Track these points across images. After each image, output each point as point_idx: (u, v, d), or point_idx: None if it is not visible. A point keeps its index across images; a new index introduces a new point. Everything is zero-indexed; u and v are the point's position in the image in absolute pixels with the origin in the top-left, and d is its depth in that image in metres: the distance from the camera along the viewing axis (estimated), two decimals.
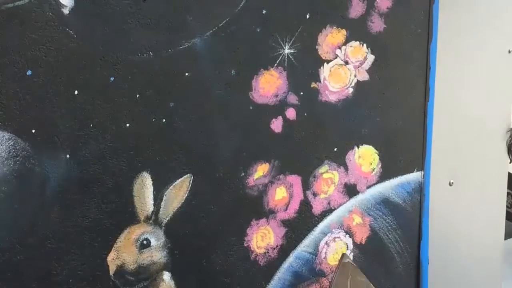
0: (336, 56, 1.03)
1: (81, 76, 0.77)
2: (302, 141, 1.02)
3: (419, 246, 1.23)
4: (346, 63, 1.04)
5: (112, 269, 0.84)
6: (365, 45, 1.06)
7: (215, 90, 0.90)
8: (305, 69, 0.99)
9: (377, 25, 1.07)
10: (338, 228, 1.10)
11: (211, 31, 0.87)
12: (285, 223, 1.02)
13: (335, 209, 1.09)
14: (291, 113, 0.99)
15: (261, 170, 0.97)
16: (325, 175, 1.06)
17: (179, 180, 0.88)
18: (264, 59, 0.94)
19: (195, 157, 0.89)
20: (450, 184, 1.26)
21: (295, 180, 1.02)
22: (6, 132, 0.72)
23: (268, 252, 1.01)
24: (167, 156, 0.87)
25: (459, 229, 1.30)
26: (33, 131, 0.74)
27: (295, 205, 1.03)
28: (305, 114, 1.01)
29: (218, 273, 0.96)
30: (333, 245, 1.10)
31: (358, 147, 1.10)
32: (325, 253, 1.09)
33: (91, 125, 0.79)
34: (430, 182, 1.21)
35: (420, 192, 1.21)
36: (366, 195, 1.13)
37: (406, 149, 1.17)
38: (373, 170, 1.13)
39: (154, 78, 0.83)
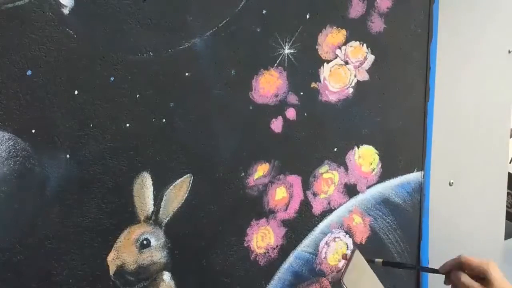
0: (336, 56, 1.03)
1: (81, 76, 0.77)
2: (302, 141, 1.02)
3: (419, 246, 1.23)
4: (346, 63, 1.04)
5: (112, 269, 0.84)
6: (365, 45, 1.06)
7: (215, 90, 0.90)
8: (305, 69, 0.99)
9: (377, 25, 1.07)
10: (338, 228, 1.10)
11: (211, 31, 0.87)
12: (285, 223, 1.02)
13: (335, 209, 1.09)
14: (291, 113, 0.99)
15: (261, 170, 0.97)
16: (325, 175, 1.06)
17: (179, 180, 0.88)
18: (264, 59, 0.94)
19: (195, 157, 0.89)
20: (450, 184, 1.26)
21: (295, 180, 1.02)
22: (6, 132, 0.72)
23: (268, 252, 1.01)
24: (167, 156, 0.87)
25: (459, 229, 1.30)
26: (33, 131, 0.74)
27: (295, 205, 1.03)
28: (305, 114, 1.01)
29: (218, 273, 0.96)
30: (333, 245, 1.10)
31: (358, 147, 1.10)
32: (325, 253, 1.09)
33: (91, 125, 0.79)
34: (430, 182, 1.21)
35: (420, 192, 1.21)
36: (366, 195, 1.13)
37: (406, 149, 1.17)
38: (373, 170, 1.13)
39: (154, 78, 0.83)
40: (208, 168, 0.91)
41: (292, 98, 0.99)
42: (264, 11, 0.92)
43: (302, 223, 1.05)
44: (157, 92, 0.84)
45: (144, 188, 0.85)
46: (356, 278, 0.96)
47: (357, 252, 1.00)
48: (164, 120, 0.85)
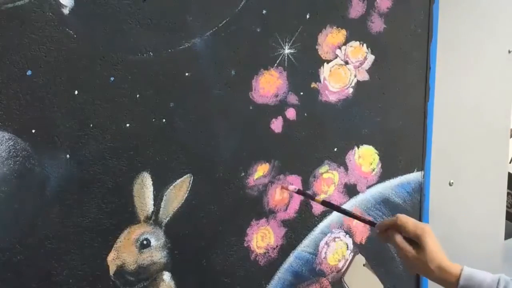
0: (336, 56, 1.03)
1: (81, 76, 0.77)
2: (302, 141, 1.02)
3: None
4: (346, 63, 1.04)
5: (112, 269, 0.84)
6: (365, 45, 1.06)
7: (215, 90, 0.90)
8: (305, 69, 0.99)
9: (377, 25, 1.07)
10: (338, 228, 1.10)
11: (211, 31, 0.87)
12: (285, 223, 1.02)
13: None
14: (291, 113, 0.99)
15: (261, 170, 0.97)
16: (325, 175, 1.06)
17: (179, 180, 0.88)
18: (264, 59, 0.94)
19: (195, 157, 0.89)
20: (450, 184, 1.26)
21: (295, 180, 1.02)
22: (6, 132, 0.72)
23: (268, 252, 1.01)
24: (167, 156, 0.86)
25: (459, 229, 1.30)
26: (33, 131, 0.74)
27: (295, 205, 1.03)
28: (305, 114, 1.01)
29: (218, 273, 0.95)
30: (333, 245, 1.10)
31: (358, 147, 1.10)
32: (325, 253, 1.09)
33: (91, 125, 0.79)
34: (430, 182, 1.21)
35: (420, 192, 1.21)
36: (366, 195, 1.13)
37: (406, 149, 1.17)
38: (373, 170, 1.13)
39: (154, 78, 0.83)
40: (208, 168, 0.91)
41: (292, 98, 0.99)
42: (264, 11, 0.92)
43: (302, 223, 1.05)
44: (157, 92, 0.84)
45: (144, 188, 0.85)
46: (357, 278, 0.96)
47: (359, 255, 1.00)
48: (164, 120, 0.85)
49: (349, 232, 1.12)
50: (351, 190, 1.10)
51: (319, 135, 1.04)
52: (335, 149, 1.07)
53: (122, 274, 0.85)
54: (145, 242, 0.86)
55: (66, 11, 0.74)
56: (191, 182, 0.90)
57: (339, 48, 1.03)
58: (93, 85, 0.78)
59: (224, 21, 0.88)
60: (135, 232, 0.85)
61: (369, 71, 1.08)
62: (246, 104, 0.93)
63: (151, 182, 0.85)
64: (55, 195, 0.77)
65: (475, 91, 1.26)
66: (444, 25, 1.16)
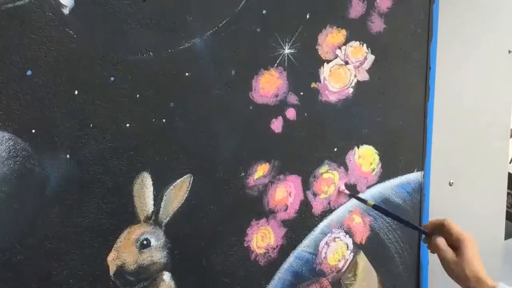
0: (336, 56, 1.03)
1: (81, 76, 0.77)
2: (302, 141, 1.02)
3: (419, 246, 1.23)
4: (346, 63, 1.04)
5: (112, 269, 0.84)
6: (365, 45, 1.06)
7: (215, 90, 0.90)
8: (305, 69, 0.99)
9: (377, 25, 1.07)
10: (338, 228, 1.10)
11: (211, 31, 0.87)
12: (285, 223, 1.02)
13: (335, 209, 1.09)
14: (291, 113, 0.99)
15: (261, 170, 0.97)
16: (325, 175, 1.06)
17: (179, 180, 0.88)
18: (264, 59, 0.94)
19: (195, 157, 0.89)
20: (450, 184, 1.26)
21: (295, 180, 1.02)
22: (6, 132, 0.72)
23: (268, 252, 1.01)
24: (167, 156, 0.87)
25: None
26: (33, 131, 0.74)
27: (295, 205, 1.03)
28: (305, 114, 1.01)
29: (218, 273, 0.96)
30: (333, 245, 1.10)
31: (358, 147, 1.10)
32: (325, 253, 1.09)
33: (91, 125, 0.79)
34: (430, 182, 1.21)
35: (420, 192, 1.21)
36: (366, 195, 1.13)
37: (406, 149, 1.17)
38: (373, 170, 1.13)
39: (154, 78, 0.83)
40: (208, 168, 0.91)
41: (292, 98, 0.99)
42: (264, 11, 0.92)
43: (302, 223, 1.05)
44: (157, 92, 0.84)
45: (144, 188, 0.85)
46: (357, 278, 0.96)
47: (361, 254, 1.00)
48: (164, 120, 0.85)
49: (349, 232, 1.12)
50: (351, 190, 1.10)
51: (319, 135, 1.04)
52: (335, 149, 1.07)
53: (122, 274, 0.85)
54: (145, 242, 0.86)
55: (66, 11, 0.74)
56: (191, 182, 0.90)
57: (339, 48, 1.03)
58: (93, 85, 0.78)
59: (224, 21, 0.88)
60: (135, 232, 0.85)
61: (369, 71, 1.08)
62: (246, 104, 0.93)
63: (151, 182, 0.85)
64: (55, 195, 0.77)
65: (475, 91, 1.26)
66: (444, 25, 1.16)
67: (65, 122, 0.76)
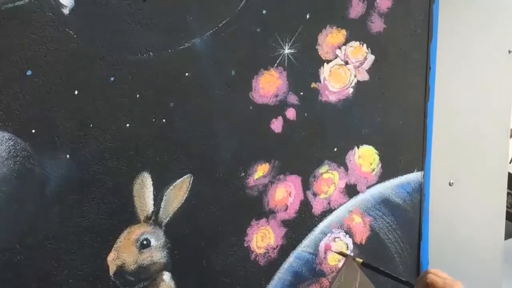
0: (336, 56, 1.03)
1: (81, 76, 0.77)
2: (302, 141, 1.02)
3: (419, 246, 1.23)
4: (346, 63, 1.04)
5: (112, 269, 0.84)
6: (365, 45, 1.06)
7: (215, 90, 0.90)
8: (305, 69, 0.99)
9: (377, 25, 1.07)
10: (338, 228, 1.10)
11: (211, 31, 0.87)
12: (285, 223, 1.02)
13: (335, 209, 1.09)
14: (291, 113, 0.99)
15: (261, 170, 0.97)
16: (325, 175, 1.06)
17: (179, 180, 0.88)
18: (264, 59, 0.94)
19: (195, 157, 0.89)
20: (450, 184, 1.26)
21: (295, 180, 1.02)
22: (6, 132, 0.72)
23: (268, 252, 1.01)
24: (167, 156, 0.87)
25: (459, 229, 1.30)
26: (33, 131, 0.74)
27: (295, 205, 1.03)
28: (305, 114, 1.01)
29: (218, 273, 0.96)
30: (333, 245, 1.10)
31: (358, 147, 1.10)
32: (325, 253, 1.09)
33: (91, 125, 0.79)
34: (430, 182, 1.21)
35: (420, 192, 1.21)
36: (366, 195, 1.13)
37: (406, 149, 1.17)
38: (373, 170, 1.13)
39: (154, 78, 0.83)
40: (208, 168, 0.91)
41: (292, 98, 0.99)
42: (264, 11, 0.92)
43: (302, 223, 1.05)
44: (157, 92, 0.84)
45: (144, 188, 0.85)
46: (348, 286, 0.96)
47: (349, 260, 1.00)
48: (164, 120, 0.85)
49: (349, 232, 1.12)
50: (351, 190, 1.10)
51: (319, 135, 1.04)
52: (335, 149, 1.07)
53: (122, 274, 0.85)
54: (145, 242, 0.86)
55: (66, 11, 0.74)
56: (191, 182, 0.90)
57: (339, 48, 1.03)
58: (93, 85, 0.78)
59: (224, 21, 0.88)
60: (135, 232, 0.85)
61: (369, 71, 1.08)
62: (246, 104, 0.93)
63: (151, 182, 0.85)
64: (55, 195, 0.77)
65: (475, 91, 1.26)
66: (444, 25, 1.16)
67: (65, 122, 0.76)
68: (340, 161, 1.08)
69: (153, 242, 0.87)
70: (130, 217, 0.84)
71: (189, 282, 0.92)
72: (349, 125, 1.07)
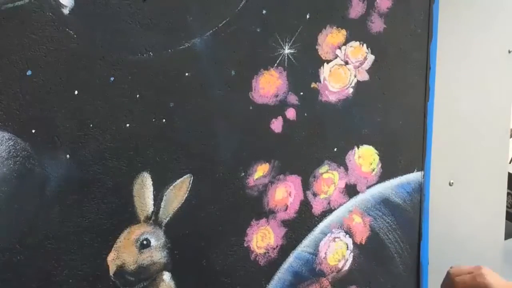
0: (336, 56, 1.03)
1: (81, 76, 0.77)
2: (302, 141, 1.02)
3: (419, 246, 1.23)
4: (346, 63, 1.04)
5: (112, 269, 0.84)
6: (365, 45, 1.06)
7: (215, 90, 0.90)
8: (305, 69, 0.99)
9: (377, 25, 1.07)
10: (338, 228, 1.10)
11: (211, 31, 0.87)
12: (285, 223, 1.02)
13: (335, 209, 1.09)
14: (291, 113, 0.99)
15: (261, 170, 0.97)
16: (325, 175, 1.06)
17: (179, 180, 0.88)
18: (264, 59, 0.94)
19: (195, 157, 0.89)
20: (450, 184, 1.26)
21: (295, 180, 1.02)
22: (6, 132, 0.72)
23: (268, 252, 1.01)
24: (167, 156, 0.87)
25: (459, 229, 1.30)
26: (33, 131, 0.74)
27: (295, 205, 1.03)
28: (305, 114, 1.01)
29: (218, 273, 0.96)
30: (333, 245, 1.10)
31: (358, 147, 1.10)
32: (325, 253, 1.09)
33: (91, 125, 0.79)
34: (430, 182, 1.21)
35: (420, 192, 1.21)
36: (366, 195, 1.13)
37: (406, 149, 1.17)
38: (373, 170, 1.13)
39: (154, 78, 0.83)
40: (208, 168, 0.91)
41: (292, 98, 0.99)
42: (264, 11, 0.92)
43: (302, 223, 1.05)
44: (157, 92, 0.84)
45: (144, 188, 0.85)
46: None
47: None
48: (164, 120, 0.85)
49: (349, 232, 1.12)
50: (351, 190, 1.10)
51: (319, 135, 1.04)
52: (335, 149, 1.07)
53: (122, 274, 0.85)
54: (145, 242, 0.86)
55: (66, 11, 0.74)
56: (191, 182, 0.90)
57: (339, 48, 1.03)
58: (93, 85, 0.78)
59: (224, 21, 0.88)
60: (135, 232, 0.85)
61: (369, 71, 1.08)
62: (246, 104, 0.93)
63: (151, 182, 0.85)
64: (55, 195, 0.77)
65: (475, 91, 1.26)
66: (444, 25, 1.16)
67: (65, 122, 0.76)
68: (340, 161, 1.08)
69: (153, 242, 0.87)
70: (130, 217, 0.84)
71: (189, 282, 0.92)
72: (349, 125, 1.07)
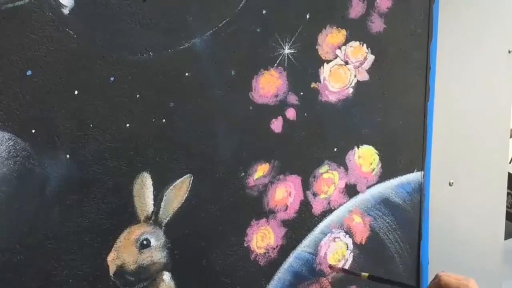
0: (336, 56, 1.03)
1: (81, 76, 0.77)
2: (302, 141, 1.02)
3: (419, 246, 1.23)
4: (346, 63, 1.04)
5: (112, 269, 0.84)
6: (365, 45, 1.06)
7: (215, 90, 0.90)
8: (305, 69, 0.99)
9: (377, 25, 1.07)
10: (338, 228, 1.10)
11: (211, 31, 0.87)
12: (285, 223, 1.02)
13: (335, 209, 1.09)
14: (291, 113, 0.99)
15: (261, 170, 0.97)
16: (325, 175, 1.06)
17: (179, 180, 0.88)
18: (264, 59, 0.94)
19: (195, 157, 0.89)
20: (450, 184, 1.26)
21: (295, 180, 1.02)
22: (6, 132, 0.72)
23: (268, 252, 1.01)
24: (167, 156, 0.87)
25: (459, 229, 1.30)
26: (33, 131, 0.74)
27: (295, 205, 1.03)
28: (305, 114, 1.01)
29: (218, 273, 0.96)
30: (333, 245, 1.10)
31: (358, 147, 1.10)
32: (325, 253, 1.09)
33: (91, 125, 0.79)
34: (430, 182, 1.21)
35: (420, 192, 1.21)
36: (366, 195, 1.13)
37: (406, 149, 1.17)
38: (373, 170, 1.13)
39: (154, 78, 0.83)
40: (208, 168, 0.91)
41: (292, 98, 0.99)
42: (264, 11, 0.92)
43: (302, 223, 1.05)
44: (157, 92, 0.84)
45: (144, 188, 0.85)
46: None
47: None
48: (164, 120, 0.85)
49: (349, 232, 1.12)
50: (351, 190, 1.10)
51: (319, 135, 1.04)
52: (335, 149, 1.07)
53: (122, 274, 0.85)
54: (145, 242, 0.86)
55: (66, 11, 0.74)
56: (191, 182, 0.90)
57: (339, 48, 1.03)
58: (93, 85, 0.78)
59: (224, 21, 0.88)
60: (135, 232, 0.85)
61: (369, 71, 1.08)
62: (246, 104, 0.93)
63: (151, 182, 0.85)
64: (55, 195, 0.77)
65: (475, 91, 1.26)
66: (444, 25, 1.16)
67: (65, 122, 0.76)
68: (340, 161, 1.08)
69: (153, 242, 0.87)
70: (130, 217, 0.84)
71: (189, 282, 0.92)
72: (349, 125, 1.07)
